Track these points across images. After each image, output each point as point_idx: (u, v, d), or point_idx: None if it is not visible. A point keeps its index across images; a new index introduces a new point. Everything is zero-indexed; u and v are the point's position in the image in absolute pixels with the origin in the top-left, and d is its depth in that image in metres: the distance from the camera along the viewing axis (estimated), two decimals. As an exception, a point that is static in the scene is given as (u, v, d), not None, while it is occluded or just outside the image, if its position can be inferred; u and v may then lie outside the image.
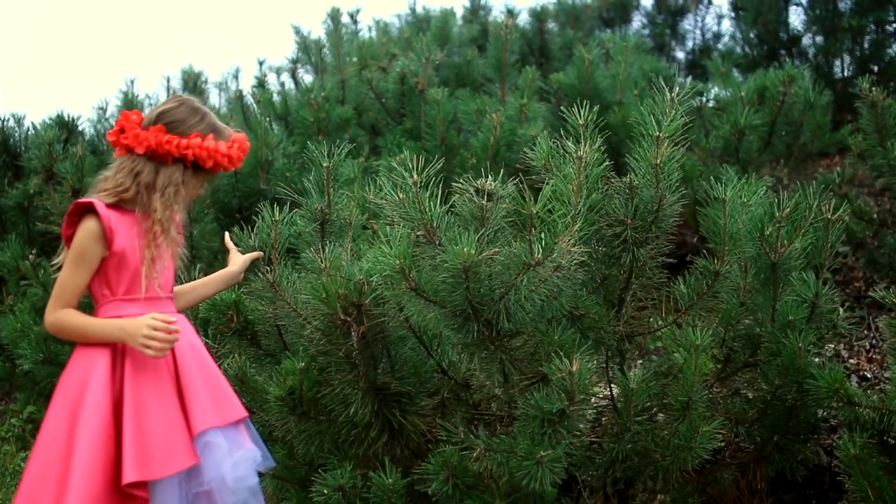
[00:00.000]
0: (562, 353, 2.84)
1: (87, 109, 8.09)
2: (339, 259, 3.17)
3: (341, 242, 3.44)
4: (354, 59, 5.79)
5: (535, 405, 2.85)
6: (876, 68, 6.19)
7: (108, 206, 2.65)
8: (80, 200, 2.62)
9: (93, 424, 2.51)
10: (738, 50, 6.63)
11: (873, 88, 4.21)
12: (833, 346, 4.17)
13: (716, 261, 3.35)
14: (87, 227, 2.60)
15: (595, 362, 2.95)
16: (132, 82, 6.67)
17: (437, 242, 2.94)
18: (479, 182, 3.00)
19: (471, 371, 3.24)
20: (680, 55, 7.30)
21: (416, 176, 2.94)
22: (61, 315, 2.60)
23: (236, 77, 6.62)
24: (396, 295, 2.92)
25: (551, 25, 6.67)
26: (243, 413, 2.74)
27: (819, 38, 6.47)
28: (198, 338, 2.78)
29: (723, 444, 3.50)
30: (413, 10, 6.70)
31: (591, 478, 3.36)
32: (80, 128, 5.93)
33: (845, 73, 6.24)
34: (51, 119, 5.72)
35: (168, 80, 6.67)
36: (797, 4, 6.50)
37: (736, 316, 3.39)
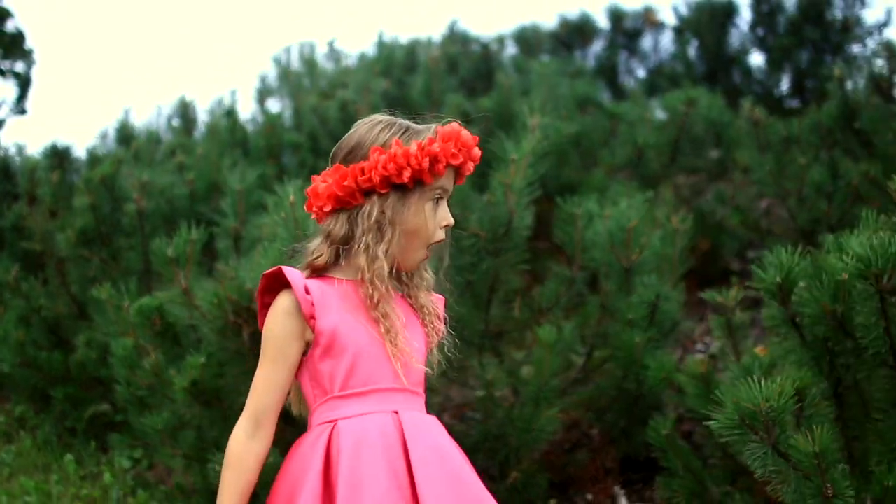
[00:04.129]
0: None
1: (88, 139, 8.75)
2: (243, 270, 3.68)
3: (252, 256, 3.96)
4: (315, 87, 6.33)
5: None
6: (811, 86, 6.55)
7: (312, 276, 2.07)
8: (267, 272, 2.05)
9: None
10: (682, 69, 7.03)
11: (755, 108, 4.63)
12: (706, 343, 4.58)
13: (572, 268, 3.80)
14: (278, 305, 2.01)
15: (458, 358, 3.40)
16: (128, 112, 7.31)
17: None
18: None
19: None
20: (641, 74, 7.71)
21: (292, 197, 3.46)
22: (234, 445, 2.02)
23: (220, 105, 7.22)
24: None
25: (511, 51, 7.15)
26: None
27: (759, 57, 6.87)
28: (449, 441, 2.06)
29: (580, 429, 3.94)
30: (381, 41, 7.24)
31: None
32: (72, 155, 6.55)
33: (784, 92, 6.60)
34: (45, 148, 6.35)
35: (159, 110, 7.30)
36: (734, 26, 6.90)
37: (593, 315, 3.82)
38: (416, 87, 5.67)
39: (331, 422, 1.99)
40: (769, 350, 3.21)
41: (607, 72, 7.41)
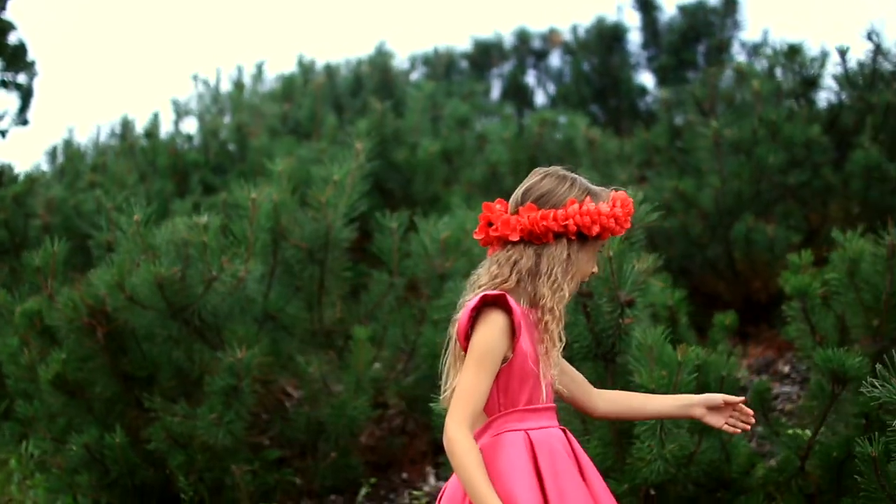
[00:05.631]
0: (236, 344, 3.86)
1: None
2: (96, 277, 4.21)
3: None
4: (235, 109, 6.88)
5: (215, 383, 3.88)
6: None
7: None
8: (488, 293, 2.29)
9: None
10: (573, 89, 7.53)
11: (590, 128, 5.14)
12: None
13: (391, 275, 4.33)
14: (494, 320, 2.27)
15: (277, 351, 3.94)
16: (72, 131, 7.90)
17: (155, 263, 3.99)
18: (198, 217, 4.07)
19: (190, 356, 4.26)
20: (551, 90, 8.21)
21: (137, 216, 4.02)
22: (465, 440, 2.19)
23: (152, 124, 7.76)
24: (118, 301, 3.97)
25: (421, 72, 7.67)
26: None
27: (647, 77, 7.37)
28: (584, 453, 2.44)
29: (400, 417, 4.46)
30: (301, 63, 7.78)
31: (290, 441, 4.35)
32: (14, 171, 7.14)
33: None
34: (-13, 165, 6.94)
35: (98, 130, 7.88)
36: (622, 48, 7.40)
37: (411, 318, 4.35)
38: (304, 111, 6.22)
39: (520, 430, 2.30)
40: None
41: (514, 90, 7.93)
